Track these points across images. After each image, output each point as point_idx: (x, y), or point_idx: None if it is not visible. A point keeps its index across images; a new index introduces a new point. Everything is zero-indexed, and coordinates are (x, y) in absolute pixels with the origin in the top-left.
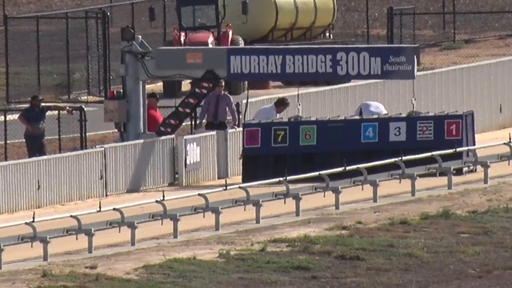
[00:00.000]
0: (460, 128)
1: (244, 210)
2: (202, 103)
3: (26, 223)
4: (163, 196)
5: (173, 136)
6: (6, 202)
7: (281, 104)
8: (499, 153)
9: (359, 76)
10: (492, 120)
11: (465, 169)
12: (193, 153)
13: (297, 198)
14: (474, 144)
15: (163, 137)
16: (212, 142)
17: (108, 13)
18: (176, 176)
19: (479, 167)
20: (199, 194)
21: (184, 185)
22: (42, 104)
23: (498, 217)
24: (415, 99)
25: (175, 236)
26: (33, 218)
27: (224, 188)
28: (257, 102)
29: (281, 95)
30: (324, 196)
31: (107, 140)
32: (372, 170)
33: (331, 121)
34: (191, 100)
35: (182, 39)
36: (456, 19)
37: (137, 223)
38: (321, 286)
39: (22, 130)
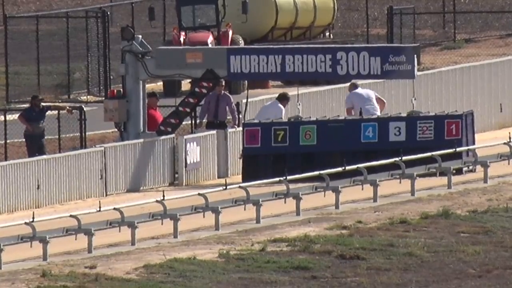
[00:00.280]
0: (460, 128)
1: (244, 209)
2: (202, 103)
3: (25, 223)
4: (163, 196)
5: (173, 135)
6: (5, 202)
7: (284, 98)
8: (499, 153)
9: (359, 76)
10: (492, 120)
11: (465, 169)
12: (193, 152)
13: (297, 198)
14: (474, 144)
15: (163, 137)
16: (212, 142)
17: (108, 13)
18: (176, 175)
19: (479, 167)
20: (199, 194)
21: (184, 184)
22: (42, 104)
23: (498, 216)
24: (415, 99)
25: (175, 236)
26: (33, 218)
27: (224, 187)
28: (257, 102)
29: None
30: (324, 195)
31: (107, 139)
32: (372, 170)
33: (331, 121)
34: (191, 100)
35: (182, 38)
36: (456, 18)
37: (137, 223)
38: (321, 286)
39: (22, 130)
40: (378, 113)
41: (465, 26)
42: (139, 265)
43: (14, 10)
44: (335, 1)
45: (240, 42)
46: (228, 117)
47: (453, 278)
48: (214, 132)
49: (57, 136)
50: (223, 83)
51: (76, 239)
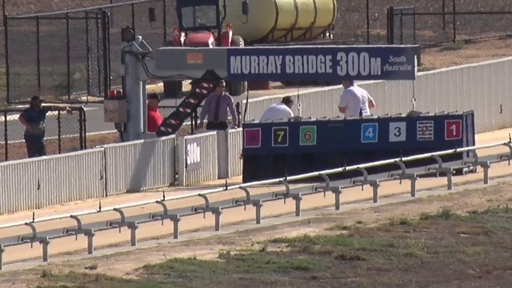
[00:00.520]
0: (460, 128)
1: (244, 210)
2: (202, 103)
3: (26, 224)
4: (164, 196)
5: (173, 136)
6: (6, 202)
7: (288, 101)
8: (499, 153)
9: (359, 77)
10: (492, 120)
11: (465, 169)
12: (194, 153)
13: (297, 198)
14: (474, 144)
15: (163, 137)
16: (213, 142)
17: (108, 14)
18: (177, 176)
19: (479, 168)
20: (199, 194)
21: (184, 185)
22: (42, 104)
23: (498, 217)
24: (415, 99)
25: (176, 236)
26: (33, 218)
27: (224, 188)
28: (257, 103)
29: (282, 95)
30: (324, 196)
31: (107, 140)
32: (372, 170)
33: (331, 121)
34: (192, 100)
35: (182, 39)
36: (456, 19)
37: (137, 223)
38: (321, 286)
39: (22, 130)
40: (368, 113)
41: (465, 27)
42: (139, 265)
43: (14, 11)
44: (335, 2)
45: (240, 42)
46: (228, 118)
47: (453, 279)
48: (214, 132)
49: (57, 137)
50: (224, 84)
51: (76, 240)
